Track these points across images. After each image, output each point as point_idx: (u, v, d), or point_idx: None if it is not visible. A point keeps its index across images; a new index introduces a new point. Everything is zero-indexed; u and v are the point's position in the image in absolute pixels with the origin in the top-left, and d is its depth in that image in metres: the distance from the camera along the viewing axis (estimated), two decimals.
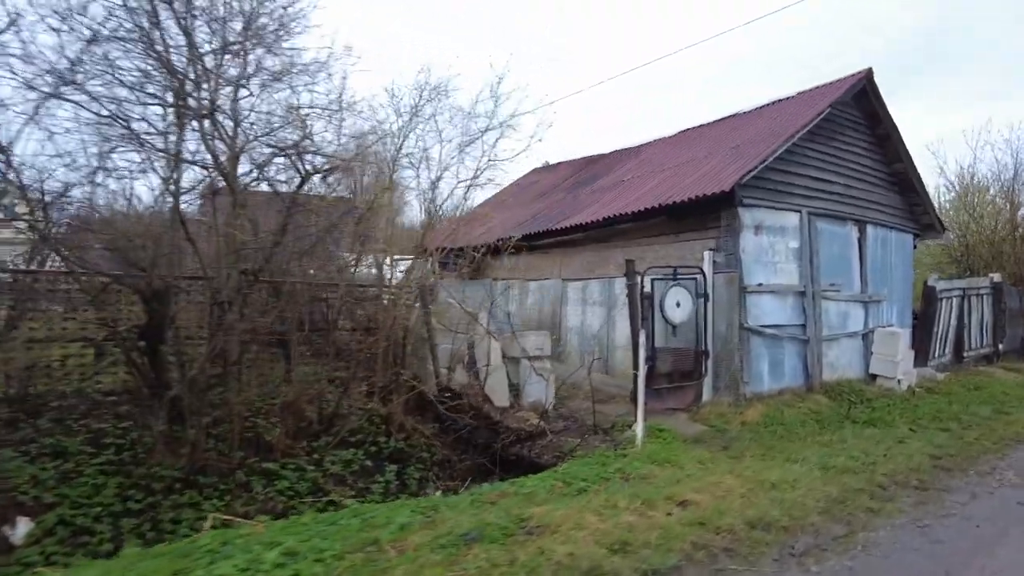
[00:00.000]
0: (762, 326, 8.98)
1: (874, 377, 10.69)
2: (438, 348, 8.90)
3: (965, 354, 13.69)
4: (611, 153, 15.94)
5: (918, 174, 11.79)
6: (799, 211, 9.66)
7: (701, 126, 13.63)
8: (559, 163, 17.87)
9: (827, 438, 7.41)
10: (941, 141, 36.10)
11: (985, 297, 14.32)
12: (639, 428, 7.03)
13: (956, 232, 18.38)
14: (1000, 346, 14.79)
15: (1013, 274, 16.82)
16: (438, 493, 6.87)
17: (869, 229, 11.02)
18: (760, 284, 8.98)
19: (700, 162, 10.85)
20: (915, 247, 12.86)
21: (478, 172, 8.80)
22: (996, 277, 14.76)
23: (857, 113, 11.00)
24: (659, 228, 9.92)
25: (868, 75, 10.65)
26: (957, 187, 19.04)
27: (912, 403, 9.53)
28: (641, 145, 14.94)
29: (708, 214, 9.02)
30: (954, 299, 13.11)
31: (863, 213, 10.88)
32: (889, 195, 11.68)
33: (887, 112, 11.06)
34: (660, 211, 9.39)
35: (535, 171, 18.61)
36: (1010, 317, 15.33)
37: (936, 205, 18.94)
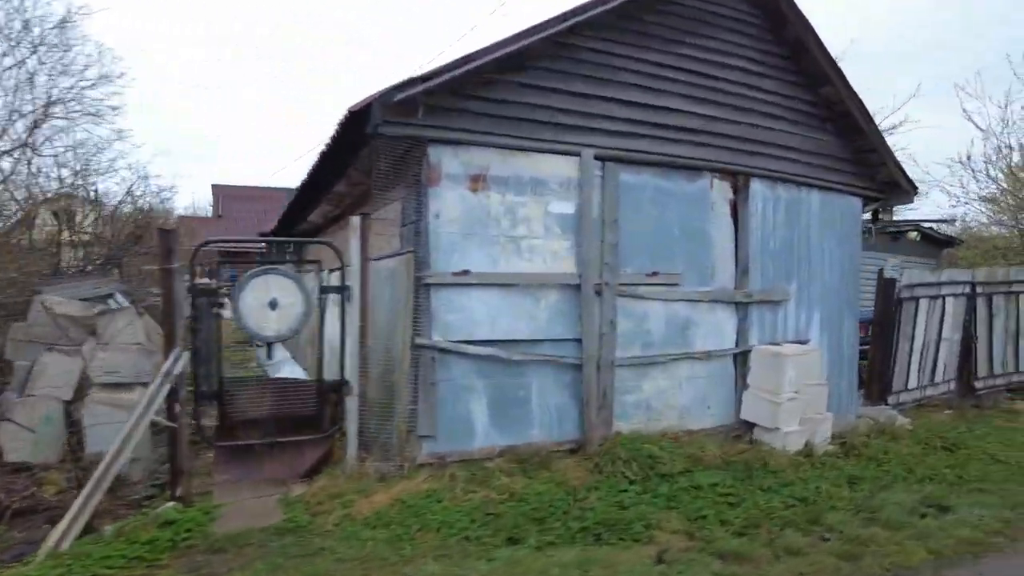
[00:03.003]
0: (471, 342, 5.34)
1: (751, 426, 6.58)
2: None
3: (979, 383, 8.90)
4: None
5: (861, 104, 7.39)
6: (578, 153, 5.86)
7: None
8: None
9: (430, 571, 3.78)
10: (978, 75, 26.59)
11: (1023, 297, 9.32)
12: (58, 531, 3.84)
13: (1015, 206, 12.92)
14: None
15: None
16: None
17: (756, 186, 6.88)
18: (467, 272, 5.34)
19: None
20: (878, 216, 8.34)
21: None
22: None
23: (747, 7, 6.92)
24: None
25: None
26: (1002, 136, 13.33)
27: (764, 482, 5.46)
28: None
29: (398, 161, 5.53)
30: (948, 299, 8.41)
31: (742, 160, 6.78)
32: (812, 137, 7.39)
33: (792, 3, 6.89)
34: (344, 162, 6.02)
35: None
36: None
37: (982, 168, 13.54)
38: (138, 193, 11.98)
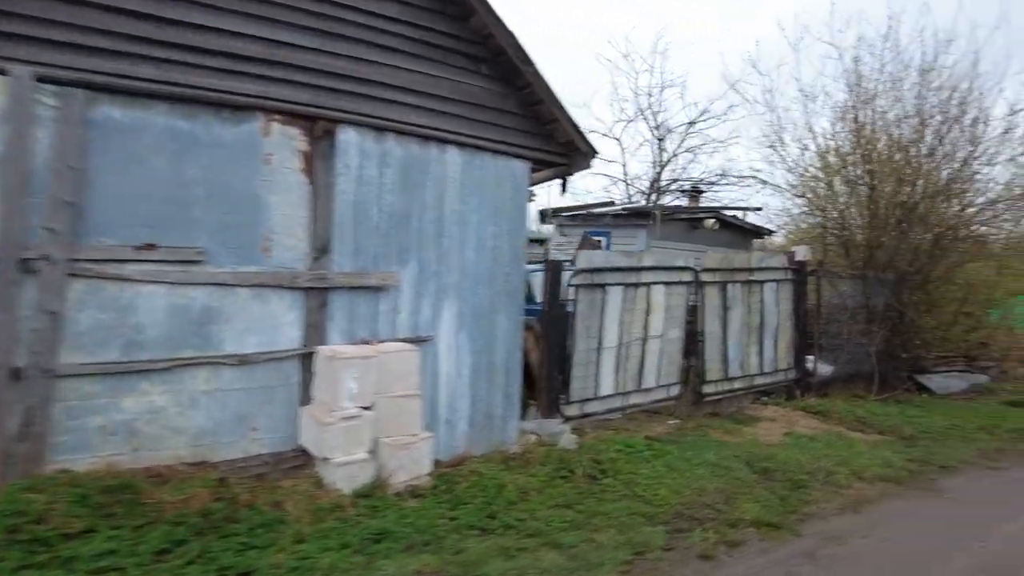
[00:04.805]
0: None
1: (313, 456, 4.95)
2: None
3: (710, 387, 7.61)
4: None
5: (514, 40, 5.90)
6: (3, 70, 4.09)
7: None
8: None
9: None
10: (758, 44, 24.25)
11: (769, 286, 8.10)
12: None
13: (824, 200, 11.90)
14: (810, 366, 8.58)
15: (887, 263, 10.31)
16: None
17: (350, 136, 5.27)
18: None
19: None
20: (566, 187, 6.86)
21: None
22: (801, 252, 8.44)
23: None
24: None
25: None
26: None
27: (215, 545, 3.80)
28: None
29: None
30: (658, 288, 7.04)
31: (327, 101, 5.15)
32: (454, 80, 5.86)
33: None
34: None
35: None
36: (853, 317, 9.05)
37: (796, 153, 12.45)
38: None
